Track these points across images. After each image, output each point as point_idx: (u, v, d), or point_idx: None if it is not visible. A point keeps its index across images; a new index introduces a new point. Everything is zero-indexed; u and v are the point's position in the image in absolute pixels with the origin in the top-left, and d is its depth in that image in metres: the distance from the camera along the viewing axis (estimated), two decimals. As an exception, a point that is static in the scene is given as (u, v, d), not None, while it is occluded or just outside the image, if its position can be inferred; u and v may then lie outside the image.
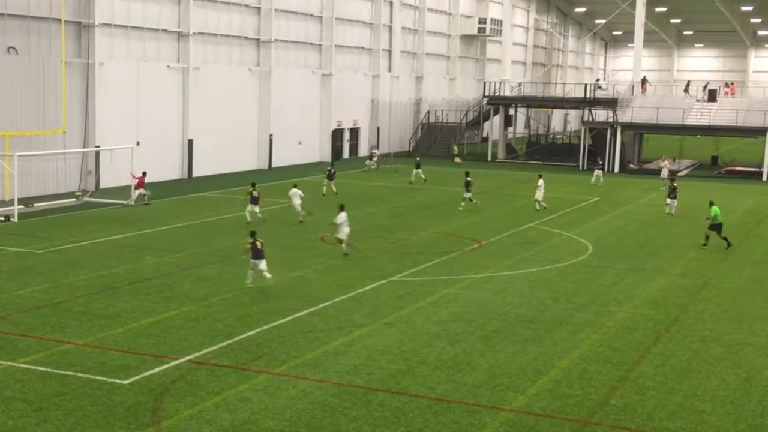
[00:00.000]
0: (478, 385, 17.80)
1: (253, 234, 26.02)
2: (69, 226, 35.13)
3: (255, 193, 36.30)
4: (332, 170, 47.43)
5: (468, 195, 42.16)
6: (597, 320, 23.08)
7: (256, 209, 36.18)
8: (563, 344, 20.80)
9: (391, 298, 24.71)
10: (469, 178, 42.55)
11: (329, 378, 17.93)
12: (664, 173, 54.33)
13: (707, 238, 33.87)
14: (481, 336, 21.30)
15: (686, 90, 76.46)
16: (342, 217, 30.15)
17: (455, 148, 70.55)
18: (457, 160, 67.64)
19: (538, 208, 42.14)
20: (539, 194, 42.44)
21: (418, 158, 58.95)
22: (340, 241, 30.36)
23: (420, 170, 53.95)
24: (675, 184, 41.83)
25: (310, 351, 19.68)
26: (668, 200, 42.04)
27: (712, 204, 34.58)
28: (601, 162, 58.62)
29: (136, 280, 26.04)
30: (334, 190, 45.41)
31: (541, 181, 42.62)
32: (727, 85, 77.83)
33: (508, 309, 23.98)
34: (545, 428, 15.72)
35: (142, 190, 41.46)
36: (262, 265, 25.17)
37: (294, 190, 37.69)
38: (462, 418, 16.00)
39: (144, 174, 42.04)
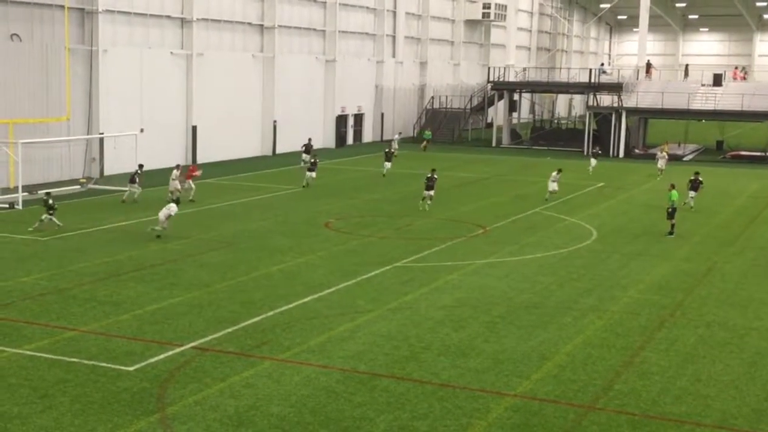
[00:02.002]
0: (483, 370, 17.81)
1: (47, 194, 32.38)
2: (73, 213, 35.15)
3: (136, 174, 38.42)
4: (315, 160, 45.95)
5: (429, 193, 37.47)
6: (601, 305, 23.08)
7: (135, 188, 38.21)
8: (567, 329, 20.80)
9: (395, 284, 24.71)
10: (435, 175, 38.17)
11: (334, 364, 17.95)
12: (661, 164, 51.98)
13: (672, 225, 33.28)
14: (486, 321, 21.31)
15: (686, 74, 76.17)
16: (173, 207, 30.53)
17: (427, 132, 67.90)
18: (423, 144, 65.43)
19: (547, 197, 41.04)
20: (556, 186, 41.20)
21: (387, 150, 51.97)
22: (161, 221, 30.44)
23: (389, 164, 49.52)
24: (701, 178, 39.29)
25: (315, 337, 19.70)
26: (690, 192, 39.11)
27: (673, 187, 33.87)
28: (600, 150, 57.30)
29: (140, 267, 26.08)
30: (307, 182, 44.02)
31: (559, 174, 41.62)
32: (742, 69, 77.47)
33: (512, 294, 23.98)
34: (549, 413, 15.73)
35: (190, 182, 39.60)
36: (48, 216, 31.29)
37: (175, 171, 39.18)
38: (466, 404, 16.02)
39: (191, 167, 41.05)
